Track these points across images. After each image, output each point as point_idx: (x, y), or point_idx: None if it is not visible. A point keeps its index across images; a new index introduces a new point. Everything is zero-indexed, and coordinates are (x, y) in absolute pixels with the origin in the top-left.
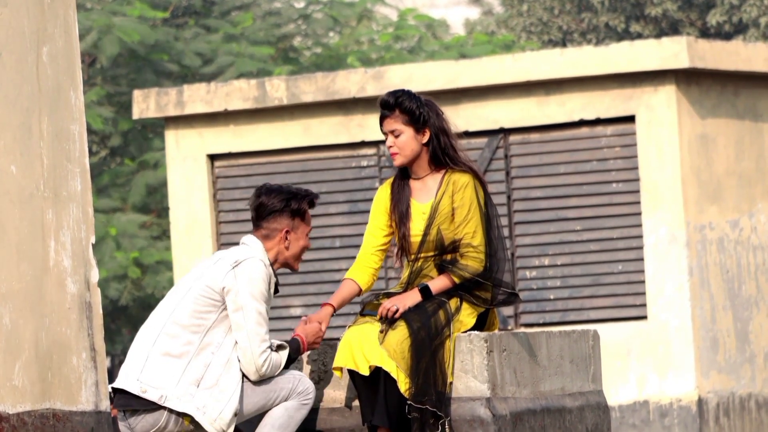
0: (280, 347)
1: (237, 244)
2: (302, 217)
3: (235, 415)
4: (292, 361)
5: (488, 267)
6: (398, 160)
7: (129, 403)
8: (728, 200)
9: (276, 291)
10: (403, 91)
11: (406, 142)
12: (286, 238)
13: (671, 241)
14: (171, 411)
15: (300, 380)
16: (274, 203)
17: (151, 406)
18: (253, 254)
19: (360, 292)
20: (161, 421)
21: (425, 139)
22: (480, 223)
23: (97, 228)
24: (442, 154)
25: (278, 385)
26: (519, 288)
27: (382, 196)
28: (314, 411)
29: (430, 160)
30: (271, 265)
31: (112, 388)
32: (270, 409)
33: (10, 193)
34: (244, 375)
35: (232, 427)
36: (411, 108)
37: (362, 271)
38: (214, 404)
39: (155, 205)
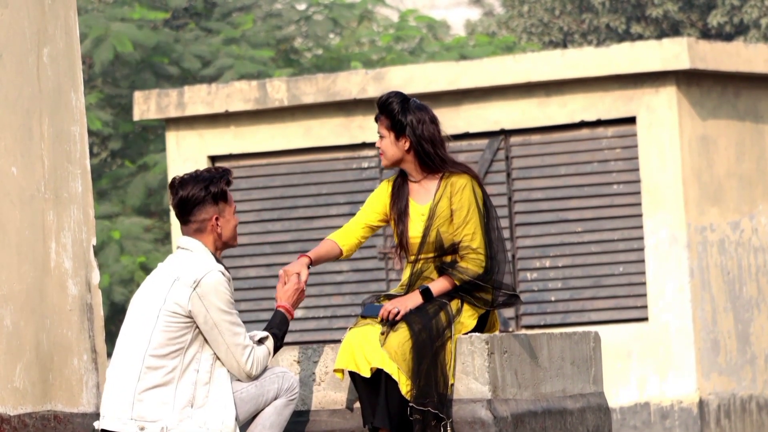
0: (262, 340)
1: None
2: (225, 198)
3: (237, 420)
4: (284, 335)
5: (488, 269)
6: (383, 162)
7: None
8: (729, 202)
9: None
10: (396, 94)
11: (387, 146)
12: (218, 225)
13: (672, 242)
14: None
15: (284, 377)
16: (195, 194)
17: None
18: (206, 266)
19: (340, 255)
20: None
21: (406, 146)
22: (479, 224)
23: (100, 232)
24: (429, 160)
25: (265, 389)
26: (520, 289)
27: (384, 189)
28: (315, 413)
29: (420, 166)
30: (213, 254)
31: (102, 430)
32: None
33: (10, 194)
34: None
35: (238, 430)
36: (393, 114)
37: (346, 236)
38: (213, 417)
39: (155, 207)
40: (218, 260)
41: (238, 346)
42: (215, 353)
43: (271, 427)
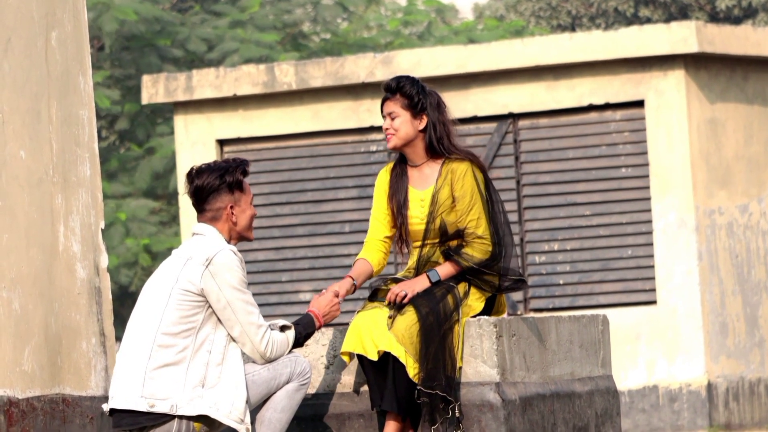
0: (284, 327)
1: None
2: (240, 188)
3: (248, 402)
4: (308, 336)
5: (494, 255)
6: (392, 142)
7: (137, 421)
8: (737, 185)
9: None
10: (407, 77)
11: (402, 124)
12: (233, 214)
13: (680, 225)
14: (182, 418)
15: (296, 361)
16: (210, 182)
17: (162, 419)
18: (218, 246)
19: (372, 273)
20: (173, 431)
21: (422, 125)
22: (483, 210)
23: (107, 214)
24: (438, 142)
25: (278, 371)
26: (528, 273)
27: (382, 181)
28: (323, 396)
29: (426, 148)
30: (227, 241)
31: (110, 409)
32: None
33: (19, 178)
34: (245, 363)
35: (248, 415)
36: (411, 93)
37: (374, 252)
38: (223, 398)
39: (162, 190)
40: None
41: (252, 325)
42: (229, 334)
43: (282, 411)
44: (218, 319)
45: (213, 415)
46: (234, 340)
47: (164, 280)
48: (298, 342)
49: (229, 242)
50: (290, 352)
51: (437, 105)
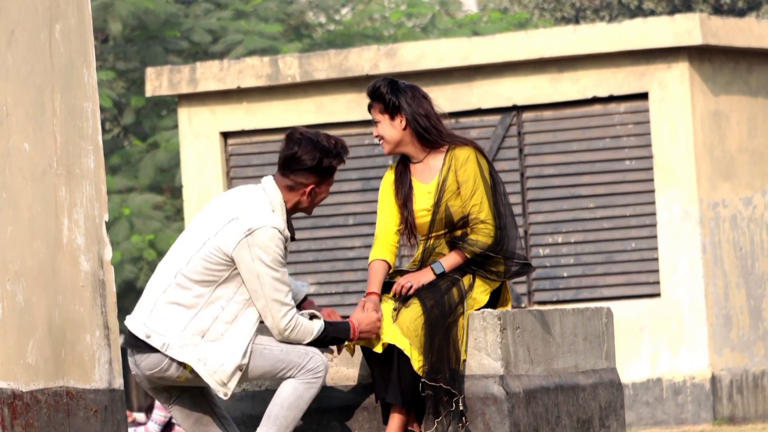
0: (313, 316)
1: None
2: (330, 174)
3: (240, 370)
4: (335, 341)
5: (498, 239)
6: (385, 148)
7: (135, 343)
8: (741, 177)
9: (292, 238)
10: (383, 79)
11: (385, 129)
12: (308, 194)
13: (684, 218)
14: (172, 359)
15: (311, 358)
16: (306, 159)
17: (154, 351)
18: (265, 219)
19: (390, 268)
20: (163, 364)
21: (402, 124)
22: (486, 195)
23: (111, 209)
24: (426, 133)
25: (288, 357)
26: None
27: (388, 180)
28: (328, 389)
29: (420, 143)
30: (288, 211)
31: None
32: (277, 380)
33: (23, 170)
34: (264, 335)
35: (234, 382)
36: (383, 96)
37: (386, 249)
38: (215, 356)
39: (166, 184)
40: (288, 219)
41: (277, 302)
42: (255, 304)
43: (289, 408)
44: (245, 285)
45: (196, 368)
46: (256, 309)
47: (206, 226)
48: (323, 341)
49: (288, 210)
50: (311, 345)
51: (413, 99)
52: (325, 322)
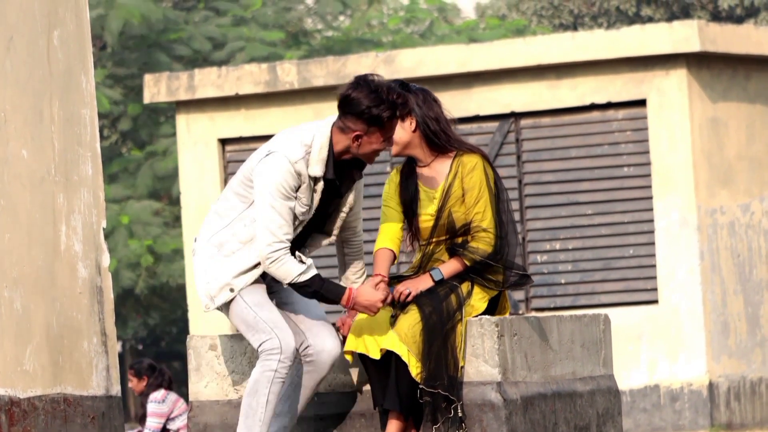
0: (307, 265)
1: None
2: (380, 124)
3: (231, 291)
4: (324, 300)
5: (498, 249)
6: (393, 150)
7: None
8: (739, 184)
9: (339, 194)
10: (395, 81)
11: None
12: (357, 140)
13: (682, 225)
14: None
15: (270, 339)
16: (356, 105)
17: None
18: (288, 150)
19: (395, 259)
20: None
21: (412, 126)
22: (489, 204)
23: (109, 218)
24: (435, 137)
25: (255, 329)
26: (530, 272)
27: (393, 182)
28: (325, 395)
29: (429, 147)
30: (339, 154)
31: None
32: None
33: (21, 177)
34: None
35: (221, 300)
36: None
37: (391, 240)
38: (217, 270)
39: (164, 191)
40: (339, 159)
41: (267, 230)
42: None
43: (249, 395)
44: None
45: (195, 274)
46: None
47: (248, 164)
48: (306, 291)
49: (336, 154)
50: (298, 288)
51: (423, 102)
52: (318, 276)
